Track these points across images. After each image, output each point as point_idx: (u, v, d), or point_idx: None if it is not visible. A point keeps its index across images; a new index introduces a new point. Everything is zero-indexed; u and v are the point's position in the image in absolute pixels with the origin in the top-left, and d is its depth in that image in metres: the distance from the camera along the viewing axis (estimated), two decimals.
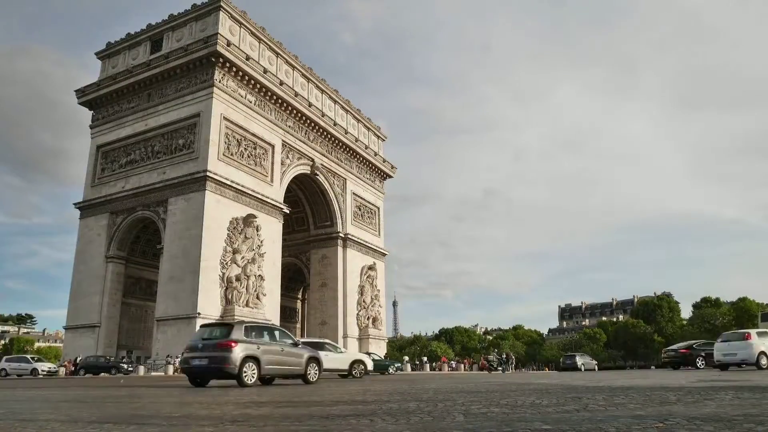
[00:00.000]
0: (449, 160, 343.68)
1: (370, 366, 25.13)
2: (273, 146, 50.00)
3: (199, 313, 39.73)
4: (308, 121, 55.26)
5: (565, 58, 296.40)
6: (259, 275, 45.19)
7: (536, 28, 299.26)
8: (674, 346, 32.94)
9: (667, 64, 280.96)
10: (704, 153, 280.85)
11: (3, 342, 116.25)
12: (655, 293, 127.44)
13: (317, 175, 57.48)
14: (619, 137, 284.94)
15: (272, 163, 49.79)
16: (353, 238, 61.32)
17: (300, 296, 67.13)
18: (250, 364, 14.16)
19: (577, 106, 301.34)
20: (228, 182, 44.00)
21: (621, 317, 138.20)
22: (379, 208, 69.04)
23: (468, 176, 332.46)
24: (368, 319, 61.30)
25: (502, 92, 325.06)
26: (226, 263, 43.02)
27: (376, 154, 68.47)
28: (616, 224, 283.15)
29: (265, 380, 16.07)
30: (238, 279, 43.24)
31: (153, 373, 36.75)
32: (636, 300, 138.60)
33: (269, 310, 45.74)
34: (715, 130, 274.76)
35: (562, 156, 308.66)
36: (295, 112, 53.16)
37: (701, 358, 28.26)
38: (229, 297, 42.39)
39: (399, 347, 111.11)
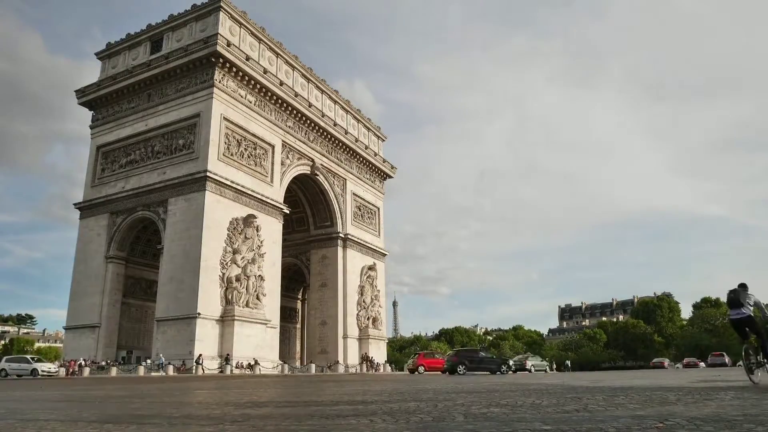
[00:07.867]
0: (435, 152, 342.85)
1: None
2: (273, 146, 49.98)
3: (199, 313, 39.73)
4: (308, 122, 55.25)
5: (536, 49, 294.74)
6: (259, 275, 45.15)
7: (497, 13, 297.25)
8: None
9: (642, 54, 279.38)
10: (685, 147, 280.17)
11: (3, 342, 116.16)
12: (655, 293, 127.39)
13: (317, 175, 57.45)
14: (599, 131, 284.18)
15: (272, 164, 49.77)
16: (353, 238, 61.30)
17: (300, 296, 67.09)
18: None
19: (551, 99, 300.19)
20: (228, 182, 43.98)
21: (621, 317, 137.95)
22: (379, 209, 69.02)
23: (458, 170, 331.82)
24: (368, 319, 61.27)
25: (496, 86, 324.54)
26: (226, 263, 42.99)
27: (376, 155, 68.47)
28: (605, 222, 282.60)
29: None
30: (238, 279, 43.20)
31: (153, 374, 36.68)
32: (636, 300, 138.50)
33: (269, 311, 45.73)
34: (695, 125, 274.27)
35: (548, 153, 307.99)
36: (295, 112, 53.15)
37: None
38: (229, 297, 42.37)
39: (399, 347, 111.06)
